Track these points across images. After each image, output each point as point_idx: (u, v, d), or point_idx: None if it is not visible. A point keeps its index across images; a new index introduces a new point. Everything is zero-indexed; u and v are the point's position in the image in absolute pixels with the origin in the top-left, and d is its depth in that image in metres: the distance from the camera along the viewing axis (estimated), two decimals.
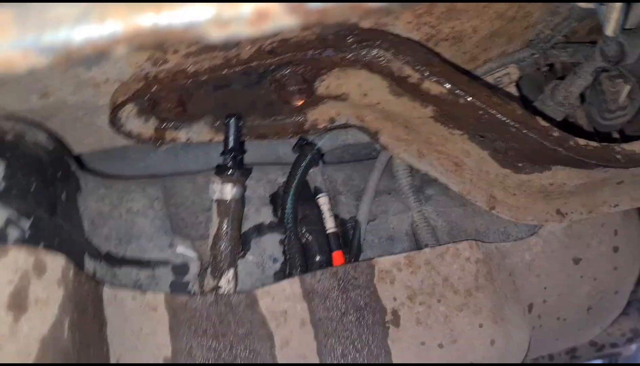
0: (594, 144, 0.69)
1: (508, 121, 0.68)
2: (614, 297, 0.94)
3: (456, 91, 0.68)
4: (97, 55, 0.26)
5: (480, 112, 0.70)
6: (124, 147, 0.88)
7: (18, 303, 0.48)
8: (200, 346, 0.71)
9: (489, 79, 0.85)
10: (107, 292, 0.64)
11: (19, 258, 0.49)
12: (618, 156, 0.69)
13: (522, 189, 0.81)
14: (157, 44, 0.26)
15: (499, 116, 0.68)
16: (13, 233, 0.51)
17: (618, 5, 0.63)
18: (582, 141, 0.69)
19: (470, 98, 0.68)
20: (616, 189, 0.83)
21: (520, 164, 0.77)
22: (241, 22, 0.26)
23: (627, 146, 0.70)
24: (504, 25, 0.79)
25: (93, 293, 0.60)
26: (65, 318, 0.52)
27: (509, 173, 0.79)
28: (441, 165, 0.83)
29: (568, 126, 1.05)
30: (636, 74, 1.00)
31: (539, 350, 0.99)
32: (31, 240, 0.52)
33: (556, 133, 0.68)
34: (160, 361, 0.68)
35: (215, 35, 0.26)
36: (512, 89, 0.87)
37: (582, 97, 1.04)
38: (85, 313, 0.57)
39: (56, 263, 0.52)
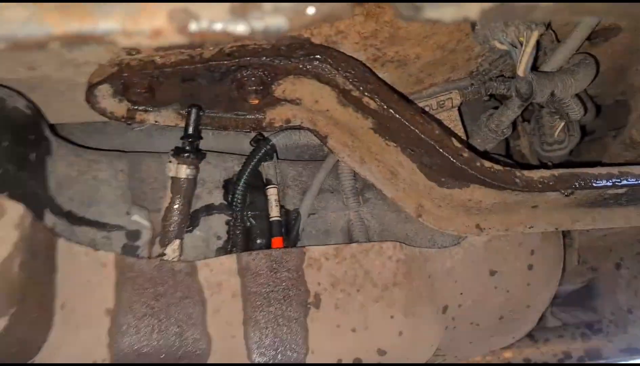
0: (497, 167, 0.79)
1: (427, 138, 0.78)
2: (526, 310, 1.04)
3: (387, 108, 0.79)
4: (38, 46, 0.36)
5: (409, 129, 0.80)
6: (104, 123, 0.98)
7: None
8: (141, 302, 0.81)
9: (433, 101, 0.95)
10: (62, 244, 0.74)
11: None
12: (517, 180, 0.78)
13: (446, 202, 0.90)
14: (82, 43, 0.36)
15: (420, 133, 0.78)
16: None
17: (528, 50, 0.73)
18: (487, 164, 0.79)
19: (397, 115, 0.78)
20: (531, 212, 0.93)
21: (443, 179, 0.87)
22: (143, 36, 0.36)
23: (527, 173, 0.80)
24: (445, 56, 0.89)
25: (47, 242, 0.70)
26: (17, 257, 0.62)
27: (434, 186, 0.89)
28: (379, 172, 0.93)
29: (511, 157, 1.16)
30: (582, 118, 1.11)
31: (456, 350, 1.08)
32: None
33: (466, 154, 0.78)
34: (103, 309, 0.78)
35: (124, 43, 0.36)
36: (454, 113, 0.98)
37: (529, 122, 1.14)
38: (37, 257, 0.67)
39: (15, 209, 0.62)
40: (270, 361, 0.82)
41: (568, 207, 0.94)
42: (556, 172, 0.81)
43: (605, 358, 1.46)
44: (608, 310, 1.42)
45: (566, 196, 0.80)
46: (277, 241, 0.90)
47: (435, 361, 1.13)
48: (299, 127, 0.93)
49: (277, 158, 0.97)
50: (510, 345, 1.52)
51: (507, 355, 1.52)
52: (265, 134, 0.96)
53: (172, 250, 0.84)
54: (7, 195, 0.63)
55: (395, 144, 0.87)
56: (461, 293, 0.97)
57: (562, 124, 1.04)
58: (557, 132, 1.06)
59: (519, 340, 1.52)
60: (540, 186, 0.79)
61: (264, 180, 0.94)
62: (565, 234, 1.27)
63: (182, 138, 0.85)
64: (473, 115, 1.05)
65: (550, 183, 0.79)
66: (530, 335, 1.53)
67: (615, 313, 1.40)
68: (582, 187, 0.80)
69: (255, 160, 0.92)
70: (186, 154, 0.84)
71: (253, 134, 0.97)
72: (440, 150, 0.78)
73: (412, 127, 0.78)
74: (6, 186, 0.63)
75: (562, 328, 1.53)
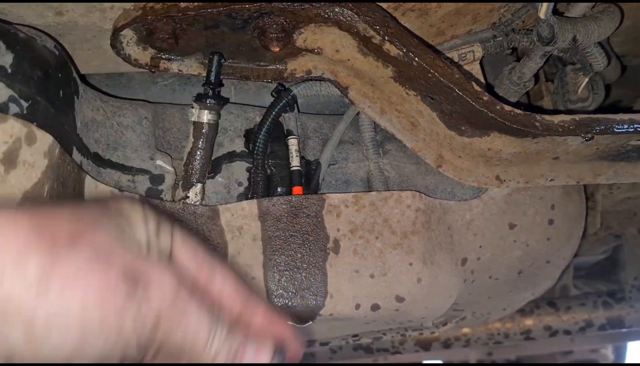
0: (518, 111, 0.79)
1: (446, 82, 0.78)
2: (545, 266, 1.03)
3: (407, 52, 0.79)
4: None
5: (429, 74, 0.81)
6: (129, 77, 1.00)
7: (9, 160, 0.61)
8: None
9: (454, 54, 0.95)
10: (89, 180, 0.76)
11: (15, 126, 0.61)
12: (537, 124, 0.78)
13: (466, 152, 0.91)
14: None
15: (440, 77, 0.78)
16: (13, 108, 0.63)
17: None
18: (507, 107, 0.79)
19: (417, 59, 0.78)
20: (553, 164, 0.92)
21: (463, 127, 0.87)
22: None
23: (547, 117, 0.79)
24: (467, 5, 0.89)
25: (75, 175, 0.72)
26: (46, 183, 0.65)
27: (454, 135, 0.89)
28: (399, 123, 0.93)
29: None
30: (606, 76, 1.10)
31: (474, 305, 1.09)
32: (27, 117, 0.64)
33: (486, 97, 0.78)
34: None
35: None
36: (476, 66, 0.97)
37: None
38: (65, 187, 0.69)
39: (45, 138, 0.65)
40: (289, 303, 0.84)
41: (590, 160, 0.94)
42: (577, 117, 0.81)
43: (628, 326, 1.45)
44: (631, 276, 1.40)
45: (587, 140, 0.80)
46: (297, 190, 0.92)
47: (454, 318, 1.14)
48: (320, 79, 0.94)
49: (299, 111, 0.98)
50: (531, 313, 1.52)
51: (528, 323, 1.52)
52: (287, 85, 0.97)
53: (194, 194, 0.86)
54: (36, 125, 0.65)
55: (415, 93, 0.87)
56: (480, 246, 0.98)
57: (586, 80, 1.03)
58: (580, 89, 1.05)
59: (540, 307, 1.52)
60: (560, 129, 0.79)
61: (285, 131, 0.95)
62: (589, 197, 1.26)
63: (203, 85, 0.87)
64: (495, 72, 1.04)
65: (571, 127, 0.79)
66: (551, 303, 1.52)
67: (639, 277, 1.38)
68: (603, 131, 0.79)
69: (277, 110, 0.93)
70: (208, 100, 0.86)
71: (274, 87, 0.98)
72: (460, 93, 0.78)
73: (432, 71, 0.79)
74: (36, 117, 0.65)
75: (584, 297, 1.52)
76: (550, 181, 0.94)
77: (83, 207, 0.45)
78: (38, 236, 0.39)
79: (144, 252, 0.46)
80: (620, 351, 2.90)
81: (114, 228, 0.44)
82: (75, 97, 0.78)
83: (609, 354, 2.56)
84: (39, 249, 0.39)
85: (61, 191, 0.68)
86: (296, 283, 0.85)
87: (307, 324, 0.88)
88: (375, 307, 0.87)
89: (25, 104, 0.64)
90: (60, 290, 0.39)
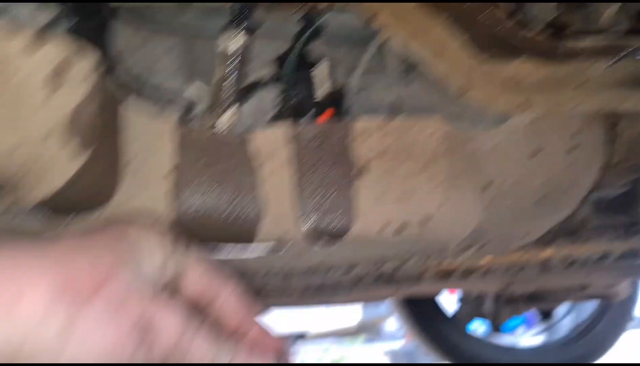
0: (540, 37, 0.80)
1: (472, 6, 0.79)
2: (565, 193, 1.06)
3: None
4: None
5: None
6: (158, 8, 1.02)
7: (56, 80, 0.64)
8: (198, 168, 0.86)
9: None
10: (127, 105, 0.79)
11: (63, 43, 0.64)
12: (561, 49, 0.79)
13: (491, 79, 0.92)
14: None
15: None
16: (62, 26, 0.66)
17: None
18: (530, 34, 0.79)
19: None
20: (577, 91, 0.93)
21: (488, 54, 0.88)
22: None
23: (572, 42, 0.80)
24: None
25: (115, 98, 0.75)
26: (92, 102, 0.68)
27: (480, 62, 0.90)
28: (425, 50, 0.94)
29: None
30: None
31: (496, 230, 1.12)
32: (74, 35, 0.67)
33: (510, 23, 0.79)
34: (164, 172, 0.84)
35: None
36: None
37: None
38: (105, 111, 0.72)
39: (91, 57, 0.67)
40: (319, 225, 0.88)
41: (614, 87, 0.94)
42: (602, 42, 0.81)
43: None
44: None
45: (611, 65, 0.80)
46: (324, 116, 0.94)
47: (474, 244, 1.17)
48: (347, 6, 0.95)
49: (326, 40, 0.99)
50: (549, 243, 1.55)
51: (546, 254, 1.55)
52: (313, 15, 0.98)
53: (225, 120, 0.89)
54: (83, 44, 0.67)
55: (441, 20, 0.88)
56: (502, 173, 1.00)
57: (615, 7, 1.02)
58: (608, 17, 1.04)
59: (558, 238, 1.55)
60: (585, 54, 0.80)
61: (313, 58, 0.97)
62: (611, 127, 1.27)
63: (232, 12, 0.88)
64: None
65: (596, 52, 0.80)
66: (570, 234, 1.55)
67: None
68: (628, 55, 0.80)
69: (305, 37, 0.94)
70: (237, 28, 0.87)
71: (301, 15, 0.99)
72: (486, 19, 0.79)
73: None
74: (81, 36, 0.68)
75: (602, 229, 1.54)
76: (575, 107, 0.95)
77: (101, 248, 0.52)
78: (62, 292, 0.47)
79: (158, 289, 0.54)
80: (635, 286, 2.95)
81: (129, 273, 0.52)
82: (109, 23, 0.80)
83: (623, 289, 2.60)
84: (62, 305, 0.47)
85: (101, 115, 0.71)
86: (325, 205, 0.88)
87: (335, 246, 0.92)
88: (400, 229, 0.91)
89: (69, 24, 0.67)
90: (81, 340, 0.47)
